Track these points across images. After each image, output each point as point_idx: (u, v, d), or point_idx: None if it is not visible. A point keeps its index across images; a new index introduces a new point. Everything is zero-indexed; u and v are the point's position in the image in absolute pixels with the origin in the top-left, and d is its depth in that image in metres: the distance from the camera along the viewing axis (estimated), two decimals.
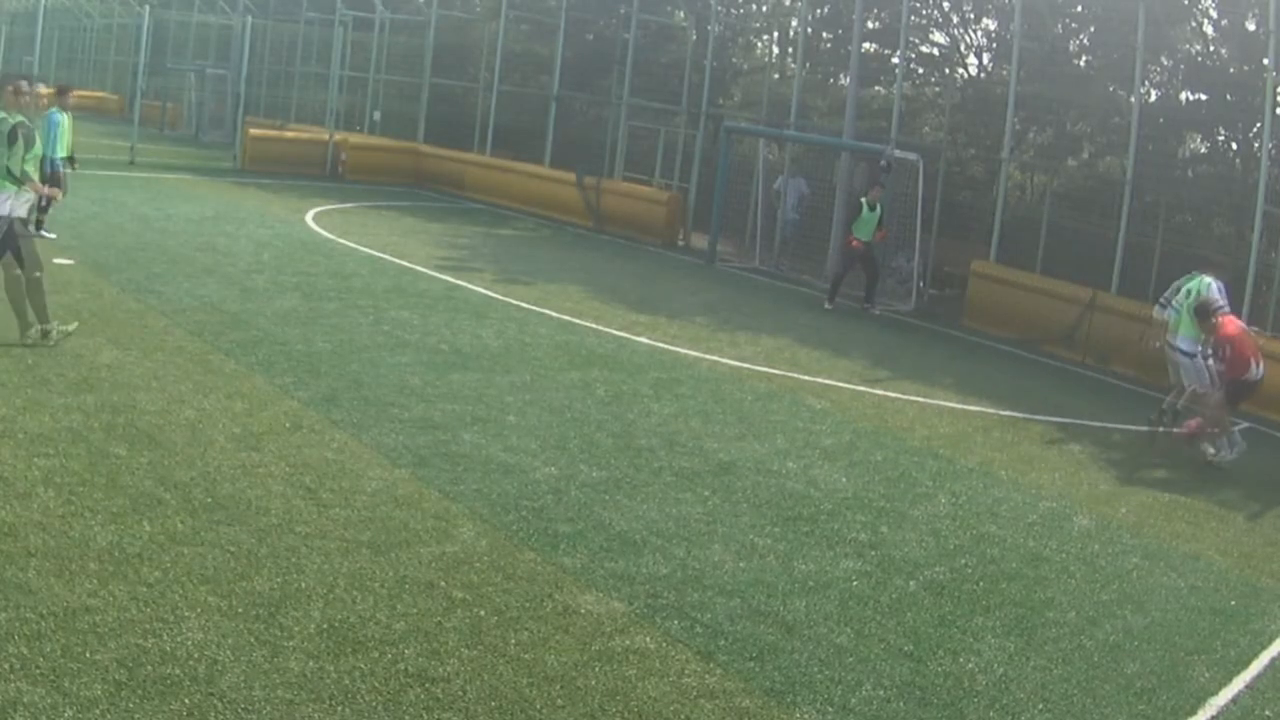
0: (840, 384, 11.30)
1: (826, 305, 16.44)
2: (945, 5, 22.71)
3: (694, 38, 24.10)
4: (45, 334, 8.56)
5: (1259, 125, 15.96)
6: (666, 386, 10.00)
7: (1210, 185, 18.07)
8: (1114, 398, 13.26)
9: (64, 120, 13.79)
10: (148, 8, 26.71)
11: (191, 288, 11.36)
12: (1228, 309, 10.83)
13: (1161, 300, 11.50)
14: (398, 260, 14.92)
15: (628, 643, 5.16)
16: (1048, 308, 15.87)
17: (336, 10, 27.75)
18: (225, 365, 8.70)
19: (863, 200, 16.66)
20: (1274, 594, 7.17)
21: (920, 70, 23.25)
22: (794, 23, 25.27)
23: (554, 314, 12.58)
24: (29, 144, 8.51)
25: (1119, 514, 8.35)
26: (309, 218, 18.05)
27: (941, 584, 6.43)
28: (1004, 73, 19.76)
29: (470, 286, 13.68)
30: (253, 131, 25.63)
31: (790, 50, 25.09)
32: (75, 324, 8.95)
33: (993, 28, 22.28)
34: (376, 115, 29.07)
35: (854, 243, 16.54)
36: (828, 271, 18.28)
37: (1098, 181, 19.16)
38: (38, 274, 8.64)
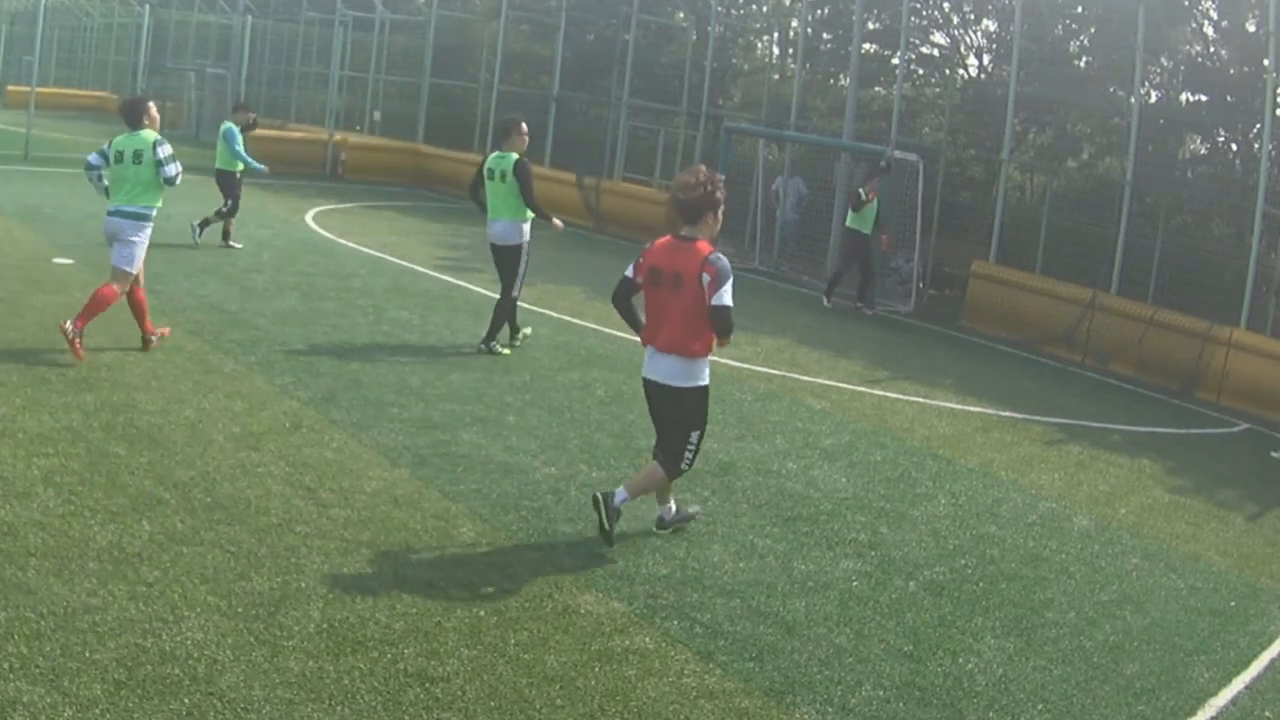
0: (840, 384, 11.30)
1: (825, 304, 16.45)
2: (945, 6, 22.73)
3: (694, 38, 24.11)
4: (511, 343, 10.55)
5: (1259, 126, 15.97)
6: None
7: (1210, 186, 18.09)
8: (1114, 398, 13.27)
9: (239, 132, 14.53)
10: (148, 7, 26.73)
11: (191, 287, 11.36)
12: None
13: None
14: (397, 260, 14.92)
15: (627, 643, 5.16)
16: (1048, 308, 15.88)
17: (336, 10, 27.75)
18: (225, 365, 8.70)
19: (860, 191, 16.57)
20: (1274, 595, 7.18)
21: (920, 71, 23.27)
22: (794, 23, 25.30)
23: (554, 314, 12.59)
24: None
25: (1119, 515, 8.35)
26: (309, 217, 18.05)
27: (941, 584, 6.43)
28: (1004, 73, 19.77)
29: (470, 286, 13.68)
30: (253, 131, 25.61)
31: (790, 51, 25.10)
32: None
33: (993, 28, 22.33)
34: (376, 115, 29.07)
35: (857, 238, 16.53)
36: (828, 272, 18.28)
37: (1098, 182, 19.18)
38: (514, 294, 10.51)
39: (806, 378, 11.29)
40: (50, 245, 12.67)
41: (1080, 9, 19.97)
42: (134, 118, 8.90)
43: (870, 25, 22.08)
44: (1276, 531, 8.65)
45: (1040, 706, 5.18)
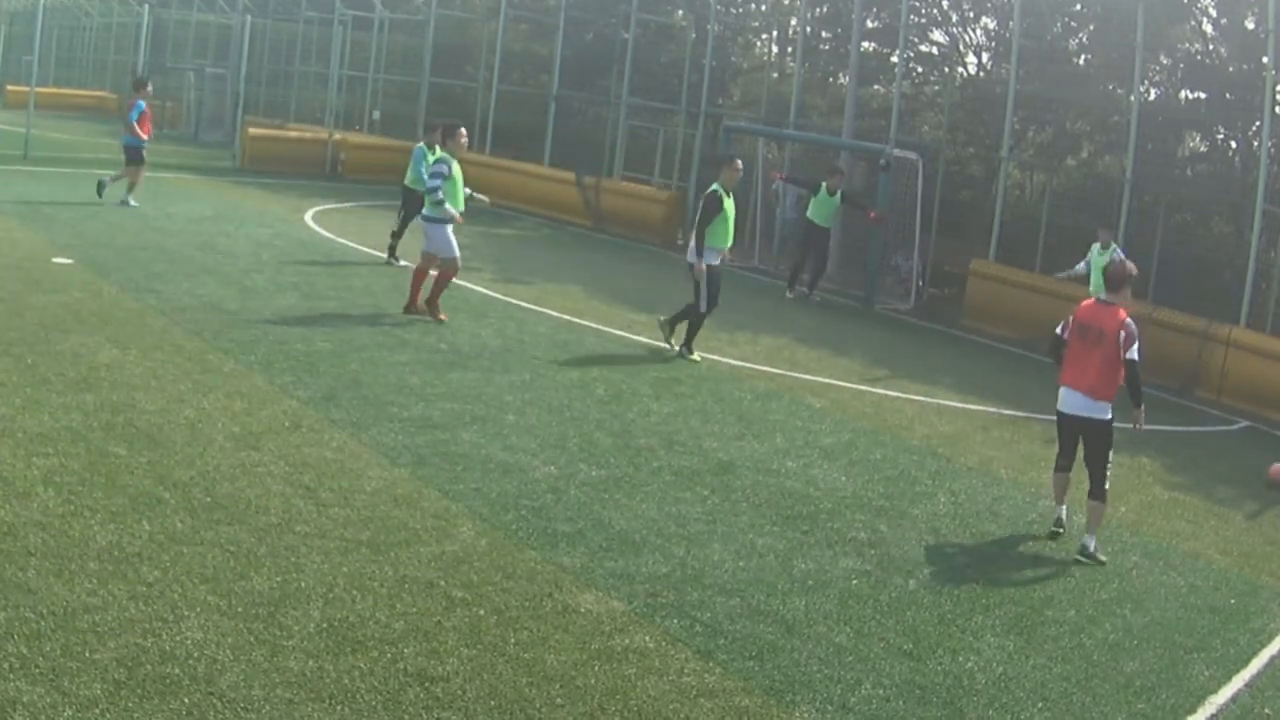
0: (840, 383, 11.30)
1: (814, 298, 16.69)
2: (945, 4, 22.71)
3: (693, 37, 24.08)
4: (681, 349, 11.27)
5: (1258, 124, 15.96)
6: (666, 386, 10.00)
7: (1210, 184, 18.07)
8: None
9: (426, 151, 14.09)
10: (147, 7, 26.69)
11: (191, 287, 11.36)
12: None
13: None
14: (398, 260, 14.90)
15: (627, 642, 5.17)
16: (1047, 307, 15.84)
17: (336, 10, 27.72)
18: (224, 364, 8.70)
19: (823, 184, 16.80)
20: (1273, 592, 7.18)
21: (919, 69, 23.25)
22: (793, 22, 25.28)
23: (554, 313, 12.58)
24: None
25: (1119, 513, 8.35)
26: (308, 217, 18.04)
27: (941, 583, 6.43)
28: (1003, 72, 19.75)
29: (470, 286, 13.67)
30: (252, 131, 25.61)
31: (790, 49, 25.08)
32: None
33: (992, 27, 22.29)
34: (376, 115, 29.05)
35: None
36: (808, 272, 18.35)
37: (1097, 180, 19.16)
38: (697, 305, 11.27)
39: (806, 376, 11.30)
40: (50, 245, 12.65)
41: (1079, 7, 19.95)
42: (442, 139, 11.62)
43: (869, 23, 22.07)
44: (1276, 529, 8.65)
45: (1040, 704, 5.18)
